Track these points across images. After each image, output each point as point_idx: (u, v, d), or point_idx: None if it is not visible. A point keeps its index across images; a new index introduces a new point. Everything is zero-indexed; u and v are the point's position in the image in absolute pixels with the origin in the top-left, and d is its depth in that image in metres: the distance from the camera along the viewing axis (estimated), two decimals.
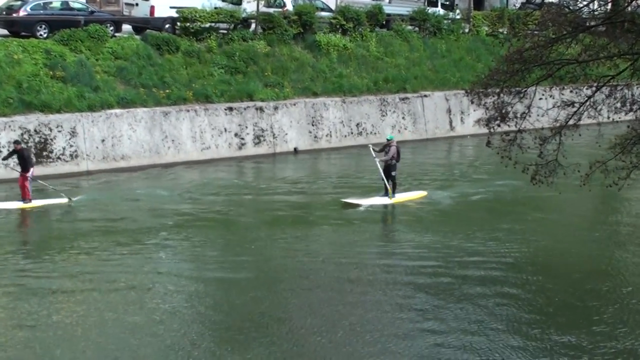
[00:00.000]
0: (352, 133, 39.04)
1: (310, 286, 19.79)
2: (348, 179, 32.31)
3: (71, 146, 31.83)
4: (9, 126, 30.82)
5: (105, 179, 31.20)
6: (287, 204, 28.06)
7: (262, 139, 36.45)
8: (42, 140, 31.26)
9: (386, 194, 27.46)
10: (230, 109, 35.73)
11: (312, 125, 37.93)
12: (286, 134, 37.27)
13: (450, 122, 42.30)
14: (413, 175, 32.58)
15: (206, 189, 30.08)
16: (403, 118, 40.63)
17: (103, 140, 32.32)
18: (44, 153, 31.11)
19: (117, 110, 32.91)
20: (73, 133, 31.84)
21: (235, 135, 35.76)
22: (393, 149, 27.24)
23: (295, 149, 36.07)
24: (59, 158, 31.44)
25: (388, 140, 27.60)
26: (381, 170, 27.15)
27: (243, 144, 35.85)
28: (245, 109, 36.03)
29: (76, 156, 31.61)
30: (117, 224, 25.43)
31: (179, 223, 25.52)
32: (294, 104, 37.47)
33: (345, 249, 22.95)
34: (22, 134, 30.72)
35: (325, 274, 20.63)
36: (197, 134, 34.59)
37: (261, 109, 36.62)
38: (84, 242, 23.55)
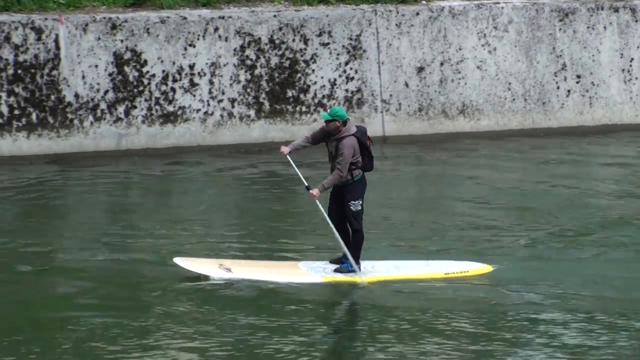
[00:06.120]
0: None
1: None
2: None
3: None
4: None
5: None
6: None
7: None
8: None
9: (343, 261, 13.21)
10: None
11: None
12: None
13: None
14: None
15: None
16: None
17: None
18: None
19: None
20: None
21: None
22: (349, 144, 12.45)
23: None
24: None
25: (327, 120, 12.68)
26: (319, 208, 13.19)
27: None
28: None
29: None
30: None
31: None
32: None
33: None
34: None
35: None
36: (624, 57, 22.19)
37: None
38: None
